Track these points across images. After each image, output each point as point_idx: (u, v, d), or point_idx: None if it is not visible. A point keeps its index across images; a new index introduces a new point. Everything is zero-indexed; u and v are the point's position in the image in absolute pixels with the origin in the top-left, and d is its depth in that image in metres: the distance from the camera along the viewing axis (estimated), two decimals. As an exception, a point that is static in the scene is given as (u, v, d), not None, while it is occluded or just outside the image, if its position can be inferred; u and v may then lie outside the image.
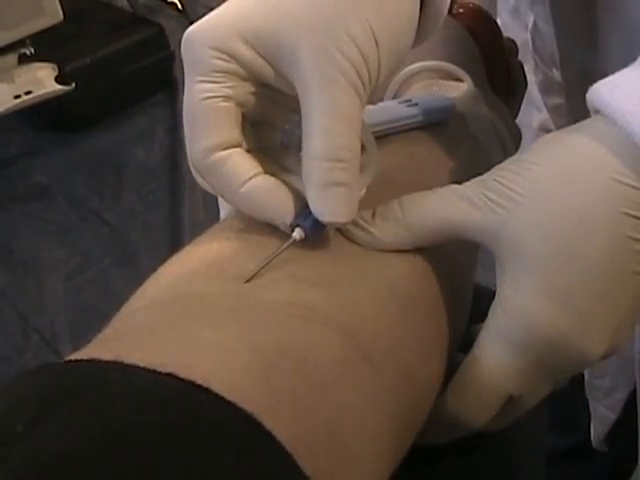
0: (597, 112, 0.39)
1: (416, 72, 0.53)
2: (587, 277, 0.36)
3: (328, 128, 0.36)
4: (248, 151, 0.39)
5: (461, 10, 0.55)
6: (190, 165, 0.39)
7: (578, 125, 0.39)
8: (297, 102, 0.37)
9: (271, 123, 0.41)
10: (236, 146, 0.38)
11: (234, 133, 0.38)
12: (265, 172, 0.38)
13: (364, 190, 0.40)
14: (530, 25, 0.68)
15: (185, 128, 0.38)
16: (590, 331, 0.37)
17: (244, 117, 0.39)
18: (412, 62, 0.53)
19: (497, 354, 0.38)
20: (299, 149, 0.38)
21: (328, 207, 0.37)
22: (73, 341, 1.46)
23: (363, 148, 0.39)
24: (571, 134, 0.39)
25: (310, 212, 0.37)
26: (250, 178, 0.38)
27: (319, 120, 0.36)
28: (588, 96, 0.39)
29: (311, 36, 0.36)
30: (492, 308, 0.38)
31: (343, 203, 0.37)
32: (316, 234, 0.37)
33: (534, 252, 0.37)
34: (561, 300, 0.36)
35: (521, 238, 0.37)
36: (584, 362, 0.38)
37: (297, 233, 0.37)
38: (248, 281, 0.35)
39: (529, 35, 0.68)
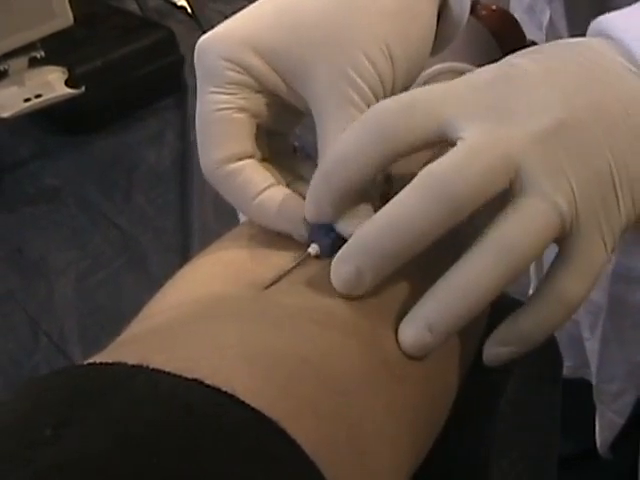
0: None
1: (438, 74, 0.53)
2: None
3: None
4: (264, 160, 0.39)
5: (484, 12, 0.54)
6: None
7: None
8: (309, 110, 0.38)
9: (285, 132, 0.41)
10: (249, 157, 0.38)
11: (247, 144, 0.38)
12: (280, 181, 0.39)
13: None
14: (545, 23, 0.68)
15: (198, 139, 0.38)
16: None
17: (258, 127, 0.39)
18: (434, 64, 0.53)
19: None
20: (313, 155, 0.38)
21: (350, 221, 0.37)
22: (82, 343, 1.46)
23: None
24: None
25: (328, 230, 0.37)
26: (264, 189, 0.38)
27: (335, 139, 0.36)
28: (588, 32, 0.39)
29: (326, 55, 0.36)
30: None
31: (365, 216, 0.37)
32: (331, 252, 0.37)
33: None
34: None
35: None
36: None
37: (312, 249, 0.37)
38: (266, 288, 0.36)
39: (544, 33, 0.68)
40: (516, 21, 0.57)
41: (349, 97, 0.36)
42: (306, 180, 0.39)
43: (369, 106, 0.36)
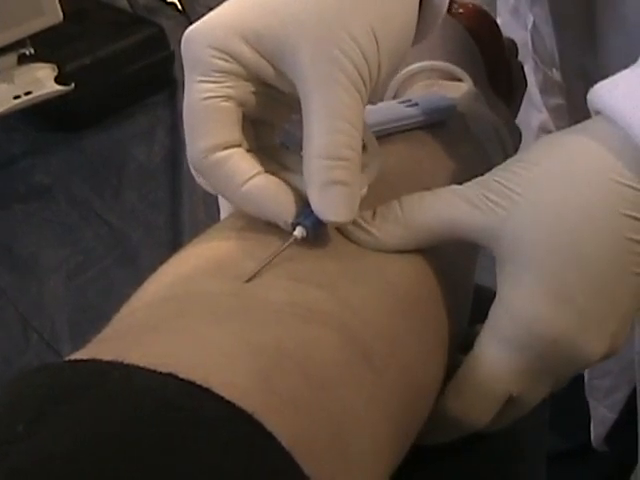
0: (598, 113, 0.39)
1: (416, 72, 0.53)
2: (587, 276, 0.36)
3: (329, 127, 0.36)
4: (249, 151, 0.39)
5: (461, 10, 0.55)
6: (190, 165, 0.39)
7: (578, 126, 0.39)
8: (298, 102, 0.37)
9: (272, 122, 0.41)
10: (236, 146, 0.38)
11: (234, 133, 0.38)
12: (266, 171, 0.38)
13: (365, 189, 0.40)
14: (530, 25, 0.68)
15: (185, 128, 0.38)
16: (589, 330, 0.37)
17: (244, 116, 0.39)
18: (412, 62, 0.53)
19: (496, 352, 0.38)
20: (300, 149, 0.38)
21: (329, 206, 0.37)
22: (73, 341, 1.46)
23: (364, 147, 0.39)
24: (571, 134, 0.39)
25: (311, 211, 0.37)
26: (251, 177, 0.37)
27: (320, 119, 0.36)
28: (589, 97, 0.39)
29: (312, 36, 0.36)
30: (492, 308, 0.38)
31: (344, 202, 0.37)
32: (317, 233, 0.37)
33: (533, 251, 0.37)
34: (560, 298, 0.36)
35: (520, 237, 0.37)
36: (584, 362, 0.38)
37: (298, 232, 0.37)
38: (248, 281, 0.35)
39: (529, 35, 0.68)
40: (492, 18, 0.57)
41: (334, 76, 0.36)
42: (292, 170, 0.39)
43: (354, 85, 0.36)
